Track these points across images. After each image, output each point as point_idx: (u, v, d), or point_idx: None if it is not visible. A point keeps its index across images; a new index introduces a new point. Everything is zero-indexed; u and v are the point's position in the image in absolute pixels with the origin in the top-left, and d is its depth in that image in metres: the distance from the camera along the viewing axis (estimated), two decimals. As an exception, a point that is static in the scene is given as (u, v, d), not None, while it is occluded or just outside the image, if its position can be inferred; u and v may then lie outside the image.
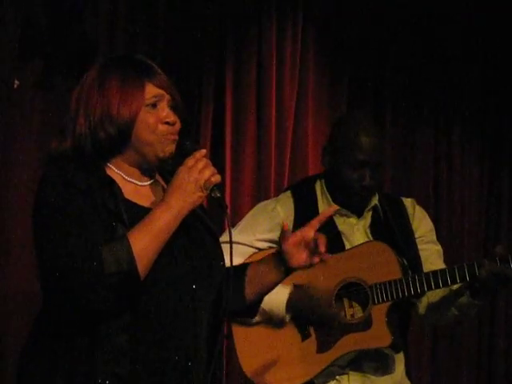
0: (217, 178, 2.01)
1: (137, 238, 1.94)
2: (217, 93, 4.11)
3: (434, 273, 2.76)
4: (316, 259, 2.15)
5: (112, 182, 2.04)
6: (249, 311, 2.32)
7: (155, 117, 2.06)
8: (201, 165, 2.00)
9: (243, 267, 2.24)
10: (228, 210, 2.10)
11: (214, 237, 2.18)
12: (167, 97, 2.09)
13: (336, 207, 2.33)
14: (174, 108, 2.10)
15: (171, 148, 2.08)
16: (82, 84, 2.10)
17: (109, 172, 2.07)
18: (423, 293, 2.78)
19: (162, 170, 2.19)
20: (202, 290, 2.07)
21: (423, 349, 4.49)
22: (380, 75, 4.52)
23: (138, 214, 2.01)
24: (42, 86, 3.63)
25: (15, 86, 3.50)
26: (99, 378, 1.94)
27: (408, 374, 2.93)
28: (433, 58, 4.59)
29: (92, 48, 3.77)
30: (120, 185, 2.05)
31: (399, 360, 2.88)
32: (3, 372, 3.49)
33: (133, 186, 2.09)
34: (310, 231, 2.16)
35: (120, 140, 2.05)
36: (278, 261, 2.19)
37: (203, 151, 2.03)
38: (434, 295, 2.87)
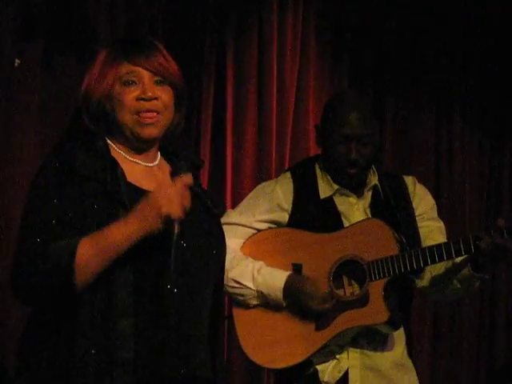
0: (178, 215, 1.93)
1: (86, 245, 1.92)
2: (218, 77, 4.10)
3: (430, 248, 2.75)
4: None
5: (115, 164, 2.03)
6: None
7: (130, 94, 2.05)
8: (173, 193, 1.94)
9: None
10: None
11: (214, 218, 2.17)
12: (150, 73, 2.06)
13: None
14: (166, 84, 2.08)
15: (150, 131, 2.06)
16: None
17: (112, 151, 2.07)
18: (420, 268, 2.77)
19: (164, 151, 2.18)
20: (204, 272, 2.07)
21: (424, 329, 4.49)
22: (381, 59, 4.52)
23: (140, 197, 1.99)
24: (43, 67, 3.62)
25: (16, 64, 3.50)
26: (103, 363, 1.93)
27: (409, 353, 2.92)
28: (433, 46, 4.60)
29: (92, 30, 3.77)
30: (124, 166, 2.04)
31: (399, 338, 2.88)
32: (5, 354, 3.49)
33: (137, 166, 2.09)
34: None
35: (100, 118, 2.06)
36: None
37: (187, 178, 1.98)
38: (436, 269, 2.86)
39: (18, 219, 3.30)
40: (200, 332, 2.06)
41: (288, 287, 2.77)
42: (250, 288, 2.80)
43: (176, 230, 1.95)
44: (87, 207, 1.96)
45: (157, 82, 2.07)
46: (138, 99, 2.04)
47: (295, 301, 2.79)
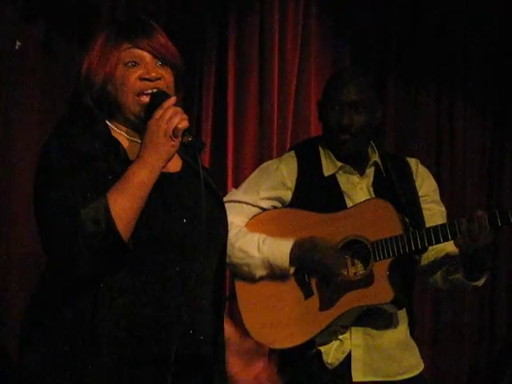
0: (184, 124, 1.98)
1: (114, 197, 1.92)
2: (219, 65, 4.11)
3: (435, 228, 2.75)
4: None
5: (118, 143, 2.04)
6: None
7: (134, 74, 2.05)
8: (168, 114, 1.97)
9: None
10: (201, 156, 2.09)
11: (217, 198, 2.17)
12: (150, 54, 2.07)
13: None
14: (167, 65, 2.09)
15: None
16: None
17: (113, 133, 2.08)
18: (424, 248, 2.77)
19: None
20: (207, 252, 2.07)
21: (425, 310, 4.50)
22: (383, 41, 4.52)
23: None
24: (44, 49, 3.63)
25: (17, 46, 3.49)
26: (99, 341, 1.93)
27: (412, 334, 2.92)
28: (435, 28, 4.59)
29: (94, 14, 3.76)
30: (125, 145, 2.06)
31: (402, 318, 2.88)
32: (8, 335, 3.51)
33: (137, 145, 2.07)
34: None
35: (101, 100, 2.06)
36: None
37: (172, 99, 2.00)
38: (431, 259, 2.88)
39: (19, 207, 3.40)
40: (203, 308, 2.07)
41: (295, 252, 2.76)
42: (256, 257, 2.79)
43: (190, 139, 1.99)
44: (94, 181, 1.96)
45: (158, 63, 2.08)
46: (141, 79, 2.05)
47: (303, 262, 2.77)
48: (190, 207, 2.05)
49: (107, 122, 2.09)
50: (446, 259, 2.85)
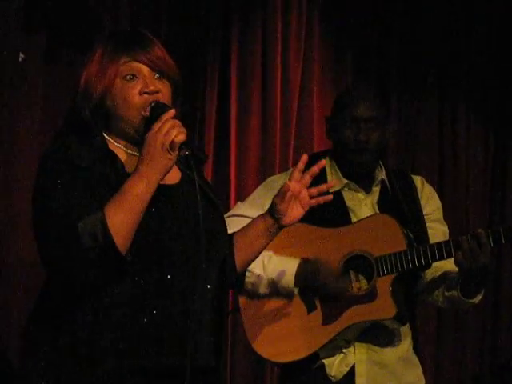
0: (181, 138, 1.96)
1: (111, 210, 1.91)
2: (222, 70, 4.11)
3: (438, 244, 2.76)
4: (313, 201, 2.19)
5: (114, 156, 2.04)
6: (237, 283, 2.32)
7: (133, 89, 2.05)
8: (166, 127, 1.96)
9: (229, 238, 2.23)
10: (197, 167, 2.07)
11: (216, 209, 2.17)
12: (148, 67, 2.07)
13: (323, 162, 2.22)
14: (164, 78, 2.08)
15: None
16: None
17: (110, 145, 2.07)
18: (428, 264, 2.78)
19: None
20: (206, 263, 2.05)
21: (428, 322, 4.50)
22: (384, 53, 4.51)
23: None
24: (47, 60, 3.63)
25: (20, 59, 3.50)
26: (99, 351, 1.94)
27: (415, 349, 2.93)
28: (437, 33, 4.58)
29: (96, 22, 3.76)
30: (122, 158, 2.06)
31: (405, 333, 2.88)
32: (10, 340, 3.52)
33: (134, 158, 2.07)
34: (294, 185, 2.17)
35: (100, 114, 2.06)
36: (269, 222, 2.19)
37: (170, 112, 1.99)
38: (430, 277, 2.88)
39: (21, 210, 3.41)
40: (203, 321, 2.06)
41: (301, 271, 2.77)
42: (261, 276, 2.79)
43: (187, 153, 1.98)
44: (92, 194, 1.96)
45: (156, 76, 2.08)
46: (141, 93, 2.05)
47: (307, 285, 2.78)
48: (187, 219, 2.05)
49: (104, 135, 2.09)
50: (444, 277, 2.86)
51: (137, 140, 2.07)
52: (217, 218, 2.16)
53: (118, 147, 2.09)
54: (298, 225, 2.83)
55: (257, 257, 2.25)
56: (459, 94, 4.63)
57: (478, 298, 2.83)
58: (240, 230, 2.24)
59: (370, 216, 2.85)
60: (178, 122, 1.99)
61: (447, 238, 2.93)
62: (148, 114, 2.04)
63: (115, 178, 1.99)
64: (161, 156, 1.95)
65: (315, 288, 2.78)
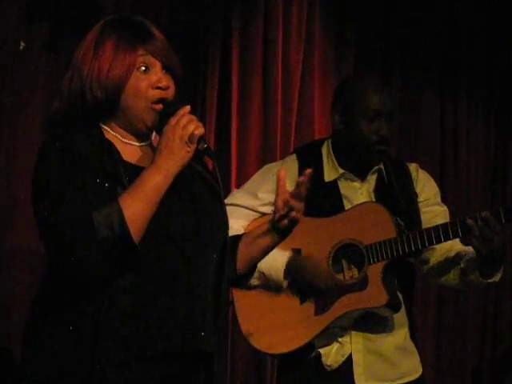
0: (200, 131, 1.99)
1: (128, 201, 1.92)
2: (223, 61, 4.11)
3: (427, 230, 2.75)
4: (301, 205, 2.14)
5: (110, 144, 2.03)
6: (240, 282, 2.32)
7: (146, 82, 2.05)
8: (184, 121, 1.98)
9: (236, 238, 2.23)
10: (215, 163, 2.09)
11: (216, 195, 2.17)
12: (160, 62, 2.07)
13: (309, 171, 2.14)
14: (169, 73, 2.08)
15: (159, 118, 2.07)
16: (81, 45, 2.09)
17: (106, 135, 2.07)
18: (417, 250, 2.77)
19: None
20: (206, 249, 2.07)
21: (428, 311, 4.50)
22: (386, 42, 4.51)
23: (137, 174, 1.99)
24: (48, 49, 3.63)
25: (21, 47, 3.50)
26: (103, 340, 1.94)
27: (413, 337, 2.93)
28: (439, 25, 4.57)
29: (98, 11, 3.76)
30: (118, 147, 2.05)
31: (402, 322, 2.88)
32: (10, 327, 3.55)
33: (131, 147, 2.09)
34: (283, 195, 2.15)
35: (107, 104, 2.04)
36: (274, 223, 2.19)
37: (187, 108, 2.01)
38: (441, 259, 2.87)
39: (22, 209, 3.42)
40: (204, 306, 2.07)
41: (289, 267, 2.78)
42: None
43: (206, 145, 2.01)
44: (91, 183, 1.96)
45: (164, 72, 2.08)
46: (153, 87, 2.05)
47: (296, 280, 2.80)
48: (185, 203, 2.05)
49: (101, 124, 2.08)
50: (459, 259, 2.84)
51: (141, 132, 2.08)
52: (216, 203, 2.15)
53: (115, 136, 2.08)
54: (289, 215, 2.88)
55: (264, 255, 2.24)
56: (460, 87, 4.63)
57: (497, 277, 2.80)
58: (247, 232, 2.27)
59: (360, 204, 2.85)
60: (194, 117, 2.01)
61: (447, 218, 2.93)
62: (161, 107, 2.04)
63: (113, 165, 1.99)
64: (179, 149, 1.97)
65: (304, 282, 2.78)
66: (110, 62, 2.03)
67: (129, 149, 2.07)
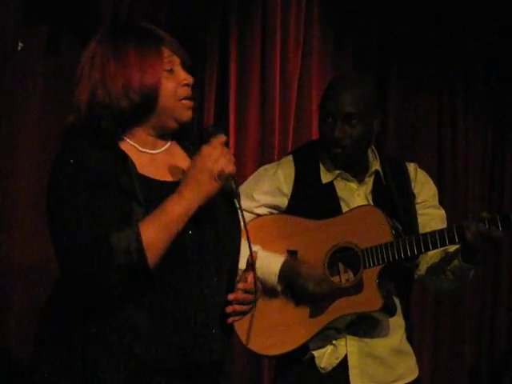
0: (230, 169, 1.96)
1: (148, 228, 1.91)
2: (221, 59, 4.11)
3: (424, 235, 2.74)
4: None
5: (125, 157, 2.02)
6: None
7: (175, 81, 2.07)
8: (216, 154, 1.95)
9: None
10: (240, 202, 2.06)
11: (231, 207, 2.16)
12: (179, 59, 2.10)
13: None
14: (186, 69, 2.11)
15: (190, 113, 2.09)
16: (91, 54, 2.06)
17: (123, 145, 2.06)
18: (413, 256, 2.76)
19: (177, 136, 2.18)
20: (221, 256, 2.07)
21: (425, 312, 4.50)
22: (384, 42, 4.51)
23: (152, 189, 2.00)
24: (45, 50, 3.64)
25: (19, 48, 3.50)
26: (114, 357, 1.95)
27: (409, 339, 2.92)
28: (436, 25, 4.57)
29: (96, 13, 3.76)
30: (134, 158, 2.04)
31: (398, 324, 2.88)
32: (8, 331, 3.55)
33: (147, 156, 2.08)
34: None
35: (144, 108, 2.04)
36: None
37: (221, 138, 1.99)
38: (431, 259, 2.87)
39: (21, 209, 3.43)
40: (216, 317, 2.07)
41: (283, 271, 2.77)
42: None
43: (234, 185, 1.98)
44: (107, 200, 1.95)
45: (184, 68, 2.11)
46: (182, 85, 2.07)
47: (291, 284, 2.79)
48: (201, 219, 2.02)
49: (120, 134, 2.07)
50: (445, 253, 2.83)
51: (169, 131, 2.09)
52: (230, 215, 2.15)
53: (132, 146, 2.07)
54: (286, 217, 2.89)
55: None
56: (458, 90, 4.63)
57: (479, 264, 2.78)
58: None
59: (357, 207, 2.84)
60: (227, 150, 1.98)
61: (444, 222, 2.93)
62: (191, 104, 2.07)
63: (128, 181, 1.98)
64: (206, 183, 1.95)
65: (298, 287, 2.78)
66: (139, 67, 2.03)
67: (144, 158, 2.07)
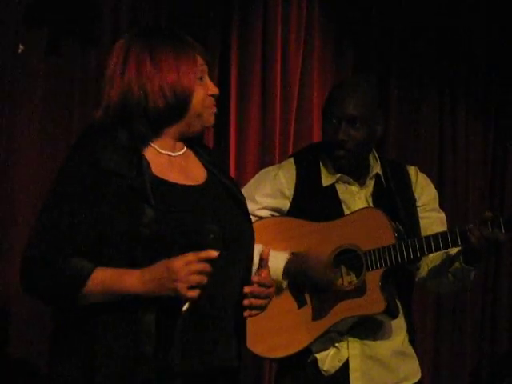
0: (191, 295, 1.93)
1: (98, 278, 1.95)
2: (222, 63, 4.13)
3: (427, 238, 2.74)
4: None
5: (140, 158, 2.02)
6: None
7: (204, 89, 2.10)
8: (191, 269, 1.92)
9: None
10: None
11: (242, 207, 2.17)
12: (207, 67, 2.13)
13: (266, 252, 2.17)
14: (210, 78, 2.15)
15: (213, 119, 2.14)
16: (124, 54, 2.07)
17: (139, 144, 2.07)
18: (416, 258, 2.76)
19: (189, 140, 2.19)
20: (233, 262, 2.07)
21: (427, 314, 4.50)
22: (386, 48, 4.51)
23: (166, 191, 2.00)
24: (46, 52, 3.64)
25: (20, 50, 3.50)
26: (123, 357, 1.95)
27: (412, 341, 2.92)
28: (438, 34, 4.57)
29: (96, 13, 3.77)
30: (152, 159, 2.04)
31: (400, 327, 2.87)
32: (8, 331, 3.56)
33: (165, 158, 2.09)
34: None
35: (179, 110, 2.06)
36: None
37: (208, 253, 1.94)
38: (432, 262, 2.87)
39: (21, 210, 3.43)
40: (230, 322, 2.07)
41: (289, 267, 2.76)
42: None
43: (184, 308, 1.94)
44: (111, 205, 1.96)
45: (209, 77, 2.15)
46: (209, 95, 2.12)
47: (296, 281, 2.78)
48: (211, 220, 2.02)
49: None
50: (447, 255, 2.83)
51: (193, 134, 2.12)
52: (243, 218, 2.15)
53: (152, 147, 2.08)
54: (288, 219, 2.89)
55: None
56: (458, 90, 4.63)
57: (480, 266, 2.79)
58: None
59: (360, 209, 2.84)
60: (202, 268, 1.93)
61: (445, 225, 2.93)
62: (215, 110, 2.13)
63: (140, 182, 1.98)
64: (167, 289, 1.93)
65: (304, 281, 2.77)
66: (176, 71, 2.05)
67: (162, 160, 2.08)
